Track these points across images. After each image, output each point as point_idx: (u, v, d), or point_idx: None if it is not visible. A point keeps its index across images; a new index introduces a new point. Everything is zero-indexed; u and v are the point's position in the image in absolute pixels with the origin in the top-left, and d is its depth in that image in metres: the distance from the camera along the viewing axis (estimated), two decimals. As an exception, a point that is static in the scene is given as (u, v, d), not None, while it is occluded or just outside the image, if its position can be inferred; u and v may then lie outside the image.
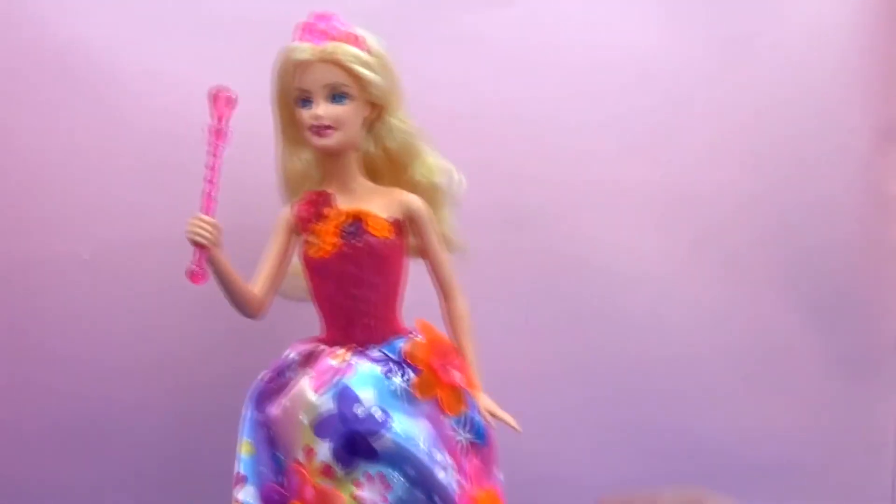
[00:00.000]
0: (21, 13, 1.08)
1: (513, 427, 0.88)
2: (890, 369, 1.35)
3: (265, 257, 0.92)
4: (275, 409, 0.87)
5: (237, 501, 0.86)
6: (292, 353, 0.91)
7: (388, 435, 0.82)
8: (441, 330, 0.92)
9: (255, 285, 0.89)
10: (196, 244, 0.82)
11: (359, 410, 0.83)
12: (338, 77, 0.88)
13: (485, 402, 0.90)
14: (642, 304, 1.25)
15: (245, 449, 0.88)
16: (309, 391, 0.85)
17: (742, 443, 1.29)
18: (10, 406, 1.13)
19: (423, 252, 0.94)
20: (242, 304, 0.88)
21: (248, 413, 0.89)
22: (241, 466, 0.87)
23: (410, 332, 0.92)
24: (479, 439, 0.89)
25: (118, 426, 1.15)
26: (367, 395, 0.84)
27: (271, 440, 0.88)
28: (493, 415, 0.88)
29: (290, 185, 0.96)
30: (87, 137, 1.11)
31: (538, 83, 1.20)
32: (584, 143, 1.22)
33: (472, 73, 1.17)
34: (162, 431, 1.15)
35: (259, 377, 0.90)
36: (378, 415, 0.83)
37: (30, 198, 1.11)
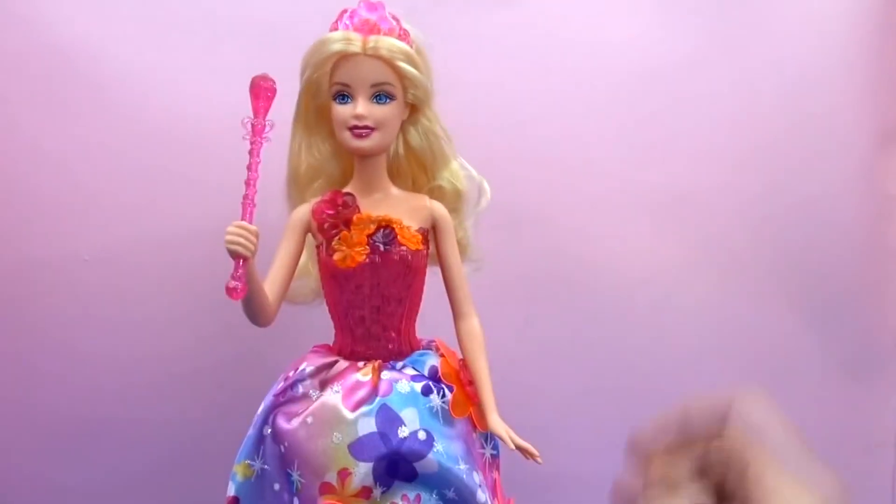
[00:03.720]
0: (21, 13, 1.08)
1: (534, 458, 0.80)
2: (890, 369, 1.35)
3: (278, 261, 0.85)
4: (290, 425, 0.81)
5: None
6: (307, 366, 0.85)
7: (433, 457, 0.78)
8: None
9: (268, 292, 0.82)
10: (237, 256, 0.74)
11: (402, 432, 0.78)
12: (385, 76, 0.81)
13: (504, 427, 0.82)
14: (642, 303, 1.25)
15: (242, 471, 0.83)
16: (343, 410, 0.79)
17: (742, 443, 1.30)
18: (10, 405, 1.13)
19: (441, 263, 0.89)
20: (261, 316, 0.81)
21: (254, 431, 0.84)
22: (234, 489, 0.82)
23: (427, 347, 0.89)
24: (496, 451, 0.88)
25: (119, 425, 1.15)
26: (410, 416, 0.80)
27: (282, 457, 0.81)
28: (515, 444, 0.81)
29: (301, 179, 0.89)
30: (88, 137, 1.11)
31: (537, 84, 1.20)
32: (583, 144, 1.22)
33: (471, 73, 1.17)
34: (164, 431, 1.16)
35: (270, 392, 0.85)
36: (422, 436, 0.79)
37: (30, 198, 1.11)
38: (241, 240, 0.74)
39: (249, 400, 1.09)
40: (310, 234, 0.87)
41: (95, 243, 1.12)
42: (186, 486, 1.16)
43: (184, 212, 1.13)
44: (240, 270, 0.75)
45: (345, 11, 0.83)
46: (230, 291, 0.74)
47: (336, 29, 0.83)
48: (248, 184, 0.77)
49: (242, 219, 0.76)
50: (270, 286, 0.83)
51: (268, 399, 0.85)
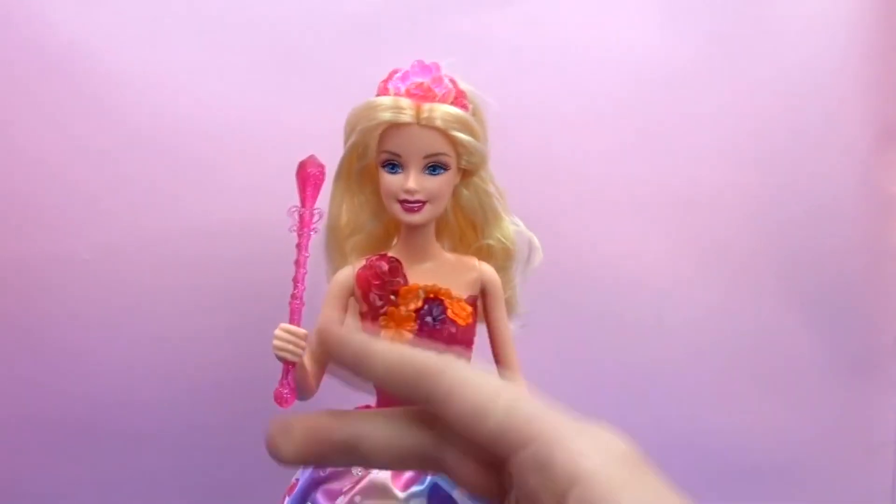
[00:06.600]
0: (21, 13, 1.08)
1: None
2: (890, 369, 1.35)
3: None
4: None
5: None
6: None
7: None
8: None
9: (309, 364, 0.77)
10: (286, 362, 0.71)
11: None
12: (440, 146, 0.75)
13: None
14: (642, 304, 1.25)
15: None
16: (393, 489, 0.76)
17: (742, 443, 1.29)
18: (9, 406, 1.13)
19: (488, 326, 0.85)
20: (304, 392, 0.77)
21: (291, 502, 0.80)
22: None
23: None
24: None
25: (118, 427, 1.15)
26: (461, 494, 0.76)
27: None
28: None
29: (341, 231, 0.83)
30: (87, 137, 1.11)
31: (538, 83, 1.20)
32: (584, 144, 1.22)
33: (471, 73, 1.17)
34: (162, 432, 1.15)
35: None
36: None
37: (30, 198, 1.11)
38: (290, 346, 0.71)
39: (254, 399, 1.09)
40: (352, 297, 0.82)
41: (95, 243, 1.12)
42: (186, 484, 1.16)
43: (184, 211, 1.13)
44: (289, 377, 0.71)
45: (395, 72, 0.77)
46: (280, 400, 0.70)
47: (386, 91, 0.76)
48: (296, 281, 0.71)
49: (291, 321, 0.72)
50: (311, 357, 0.78)
51: (306, 471, 0.81)
